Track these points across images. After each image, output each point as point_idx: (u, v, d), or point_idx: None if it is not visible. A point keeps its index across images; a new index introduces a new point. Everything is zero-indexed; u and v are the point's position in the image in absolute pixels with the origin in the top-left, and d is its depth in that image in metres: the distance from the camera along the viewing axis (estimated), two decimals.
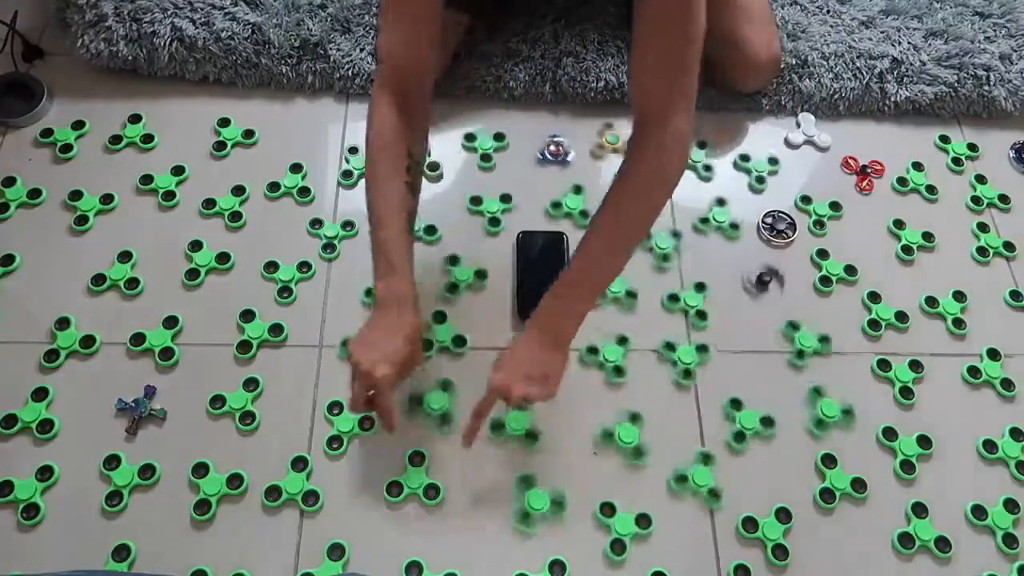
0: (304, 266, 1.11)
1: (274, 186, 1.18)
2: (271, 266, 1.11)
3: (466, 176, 1.23)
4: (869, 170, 1.29)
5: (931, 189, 1.28)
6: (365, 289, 1.09)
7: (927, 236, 1.23)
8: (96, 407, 0.99)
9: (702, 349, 1.09)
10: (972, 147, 1.34)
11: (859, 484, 1.01)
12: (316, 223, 1.15)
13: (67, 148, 1.20)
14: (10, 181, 1.16)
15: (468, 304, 1.11)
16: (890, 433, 1.05)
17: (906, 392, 1.08)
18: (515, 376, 0.88)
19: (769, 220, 1.22)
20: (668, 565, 0.94)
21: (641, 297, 1.13)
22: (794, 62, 1.33)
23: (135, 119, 1.23)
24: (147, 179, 1.17)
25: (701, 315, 1.12)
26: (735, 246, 1.20)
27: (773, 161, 1.29)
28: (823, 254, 1.19)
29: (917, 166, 1.30)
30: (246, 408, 1.00)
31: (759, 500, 0.99)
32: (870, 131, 1.34)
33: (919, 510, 1.00)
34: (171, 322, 1.05)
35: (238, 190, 1.17)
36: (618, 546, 0.95)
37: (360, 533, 0.94)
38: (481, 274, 1.13)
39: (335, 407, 1.01)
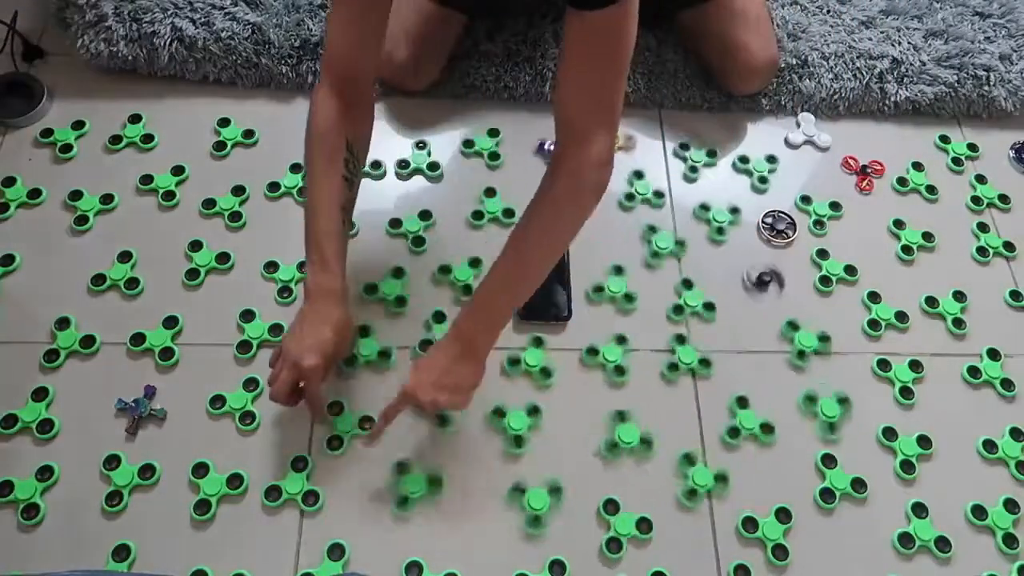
0: (304, 266, 1.11)
1: (274, 186, 1.18)
2: (271, 266, 1.11)
3: (466, 176, 1.23)
4: (869, 170, 1.29)
5: (931, 189, 1.28)
6: (364, 286, 1.10)
7: (927, 236, 1.23)
8: (96, 407, 0.99)
9: (702, 349, 1.09)
10: (972, 147, 1.34)
11: (859, 484, 1.01)
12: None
13: (67, 148, 1.20)
14: (10, 181, 1.16)
15: None
16: (890, 433, 1.05)
17: (906, 392, 1.08)
18: (427, 384, 0.88)
19: (769, 220, 1.22)
20: (668, 565, 0.94)
21: (641, 297, 1.13)
22: (794, 62, 1.33)
23: (135, 119, 1.23)
24: (147, 179, 1.17)
25: (701, 315, 1.12)
26: (735, 246, 1.20)
27: (773, 161, 1.29)
28: (823, 254, 1.19)
29: (917, 166, 1.30)
30: (246, 408, 1.00)
31: (759, 500, 0.99)
32: (870, 131, 1.34)
33: (919, 510, 1.00)
34: (171, 322, 1.05)
35: (238, 190, 1.17)
36: (618, 546, 0.95)
37: (360, 533, 0.94)
38: (481, 274, 1.13)
39: (335, 406, 1.01)
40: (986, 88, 1.34)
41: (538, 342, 1.08)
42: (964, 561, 0.98)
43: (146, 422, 0.99)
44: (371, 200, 1.19)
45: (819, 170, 1.30)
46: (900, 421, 1.06)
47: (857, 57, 1.34)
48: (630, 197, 1.23)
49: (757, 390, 1.06)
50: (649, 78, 1.31)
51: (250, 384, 1.01)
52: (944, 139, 1.34)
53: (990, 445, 1.05)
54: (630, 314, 1.12)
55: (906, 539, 0.98)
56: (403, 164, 1.23)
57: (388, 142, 1.25)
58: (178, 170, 1.18)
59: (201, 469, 0.95)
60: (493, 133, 1.26)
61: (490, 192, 1.21)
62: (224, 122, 1.23)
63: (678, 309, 1.12)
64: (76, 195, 1.15)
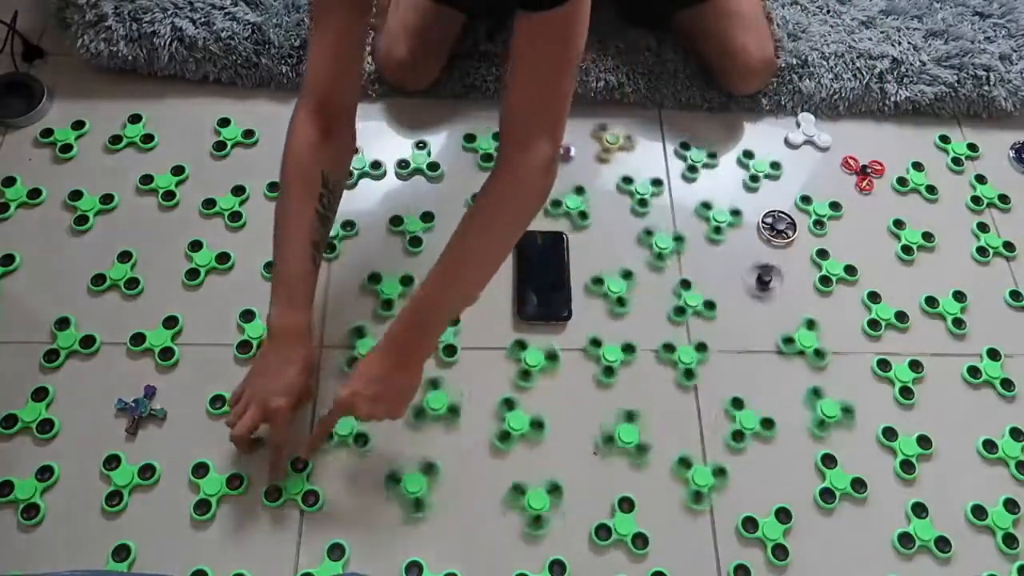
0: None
1: (274, 186, 1.18)
2: (271, 266, 1.10)
3: (466, 176, 1.23)
4: (869, 170, 1.29)
5: (931, 189, 1.28)
6: (368, 274, 1.10)
7: (927, 236, 1.23)
8: (96, 407, 0.99)
9: (702, 349, 1.09)
10: (972, 147, 1.33)
11: (859, 484, 1.01)
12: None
13: (67, 148, 1.20)
14: (10, 181, 1.16)
15: None
16: (890, 433, 1.05)
17: (906, 392, 1.08)
18: (362, 394, 0.86)
19: (769, 220, 1.22)
20: (668, 565, 0.94)
21: (641, 297, 1.13)
22: (794, 62, 1.33)
23: (135, 119, 1.23)
24: (147, 179, 1.17)
25: (701, 315, 1.12)
26: (735, 246, 1.20)
27: (773, 161, 1.29)
28: (823, 254, 1.19)
29: (917, 166, 1.30)
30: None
31: (759, 500, 0.99)
32: (870, 131, 1.34)
33: (919, 510, 1.00)
34: (171, 322, 1.05)
35: (238, 190, 1.17)
36: (618, 546, 0.95)
37: (360, 533, 0.94)
38: None
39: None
40: (986, 88, 1.34)
41: (538, 342, 1.08)
42: (964, 561, 0.97)
43: (146, 422, 0.99)
44: (371, 200, 1.19)
45: (819, 170, 1.30)
46: (900, 421, 1.06)
47: (857, 57, 1.34)
48: (630, 196, 1.23)
49: (757, 390, 1.06)
50: (649, 78, 1.31)
51: None
52: (944, 139, 1.34)
53: (990, 445, 1.05)
54: (630, 314, 1.12)
55: (906, 539, 0.98)
56: (403, 164, 1.23)
57: (388, 142, 1.25)
58: (178, 170, 1.18)
59: (201, 469, 0.95)
60: (496, 136, 1.26)
61: None
62: (224, 122, 1.23)
63: (678, 309, 1.12)
64: (76, 195, 1.15)
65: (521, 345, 1.07)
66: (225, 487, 0.94)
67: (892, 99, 1.34)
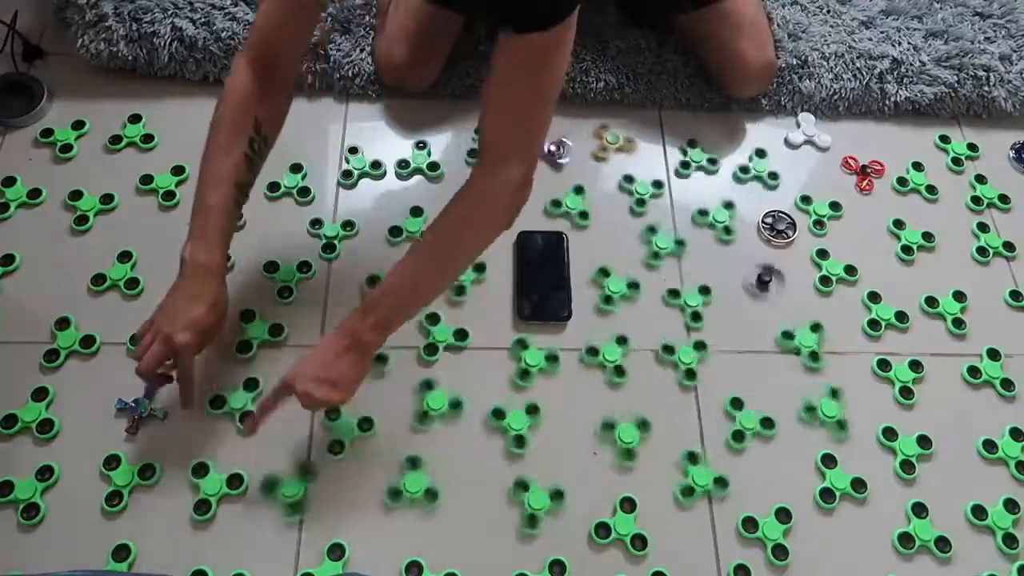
0: (304, 266, 1.11)
1: (274, 186, 1.18)
2: (271, 266, 1.11)
3: (466, 176, 1.22)
4: (869, 170, 1.29)
5: (931, 189, 1.28)
6: (367, 276, 1.10)
7: (927, 236, 1.23)
8: (96, 407, 0.99)
9: (702, 349, 1.09)
10: (972, 147, 1.34)
11: (859, 484, 1.01)
12: (316, 223, 1.15)
13: (67, 148, 1.20)
14: (10, 181, 1.16)
15: (468, 304, 1.11)
16: (890, 433, 1.05)
17: (906, 392, 1.08)
18: (308, 377, 0.86)
19: (769, 220, 1.22)
20: (668, 565, 0.94)
21: (641, 297, 1.13)
22: (794, 62, 1.33)
23: (135, 119, 1.23)
24: (147, 179, 1.17)
25: (701, 315, 1.12)
26: (735, 246, 1.20)
27: (772, 161, 1.29)
28: (823, 254, 1.19)
29: (917, 166, 1.30)
30: (246, 408, 1.00)
31: (759, 500, 0.99)
32: (870, 131, 1.34)
33: (919, 510, 1.00)
34: None
35: None
36: (618, 546, 0.95)
37: (360, 533, 0.94)
38: (481, 272, 1.13)
39: (333, 410, 1.01)
40: (986, 88, 1.34)
41: (538, 342, 1.08)
42: (964, 561, 0.98)
43: (146, 422, 0.99)
44: (371, 200, 1.19)
45: (819, 170, 1.30)
46: (900, 421, 1.06)
47: (857, 57, 1.34)
48: (630, 196, 1.23)
49: (757, 390, 1.06)
50: (649, 78, 1.31)
51: (250, 384, 1.01)
52: (944, 139, 1.34)
53: (990, 445, 1.05)
54: (630, 314, 1.12)
55: (906, 539, 0.98)
56: (403, 164, 1.23)
57: (388, 142, 1.25)
58: (178, 170, 1.18)
59: (201, 469, 0.95)
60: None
61: None
62: None
63: (678, 309, 1.12)
64: (76, 195, 1.15)
65: (521, 345, 1.07)
66: (225, 487, 0.94)
67: (892, 99, 1.34)
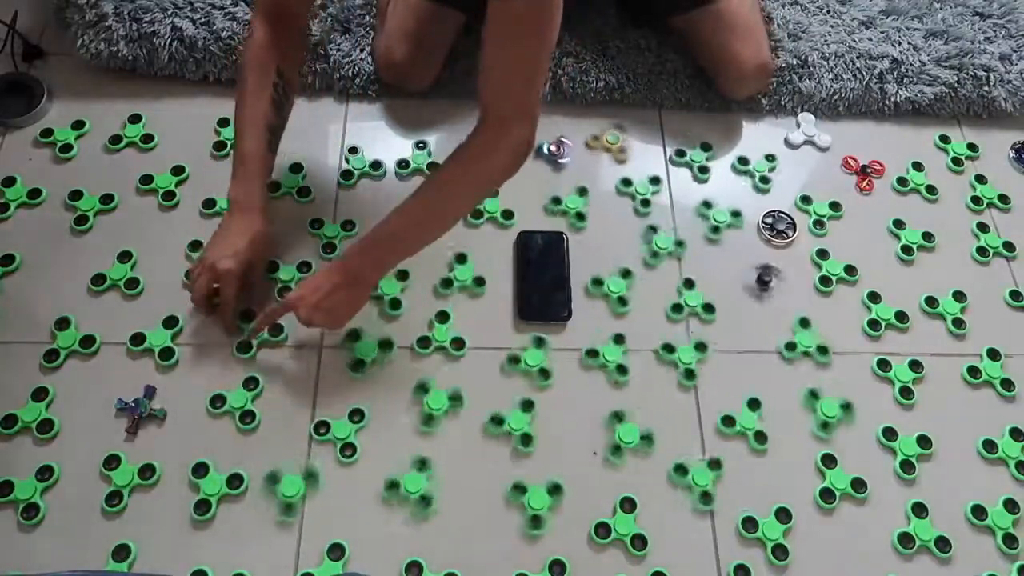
0: (304, 266, 1.11)
1: (274, 186, 1.18)
2: (271, 266, 1.11)
3: None
4: (869, 170, 1.29)
5: (931, 189, 1.28)
6: None
7: (927, 236, 1.23)
8: (96, 407, 0.99)
9: (702, 349, 1.09)
10: (972, 147, 1.34)
11: (859, 484, 1.01)
12: (316, 223, 1.15)
13: (67, 148, 1.20)
14: (10, 181, 1.15)
15: (468, 304, 1.11)
16: (890, 433, 1.05)
17: (906, 392, 1.08)
18: (308, 300, 0.94)
19: (769, 220, 1.22)
20: (668, 565, 0.94)
21: (641, 297, 1.13)
22: (794, 62, 1.33)
23: (135, 119, 1.23)
24: (147, 179, 1.17)
25: (701, 315, 1.12)
26: (735, 246, 1.20)
27: (773, 161, 1.29)
28: (823, 254, 1.19)
29: (917, 166, 1.30)
30: (246, 408, 1.00)
31: (759, 500, 0.99)
32: (870, 131, 1.34)
33: (919, 510, 1.00)
34: (171, 322, 1.05)
35: None
36: (618, 546, 0.95)
37: (360, 533, 0.94)
38: (481, 275, 1.13)
39: (336, 407, 1.01)
40: (986, 88, 1.34)
41: (538, 342, 1.08)
42: (964, 561, 0.98)
43: (146, 422, 0.99)
44: (371, 200, 1.19)
45: (819, 170, 1.30)
46: (900, 421, 1.06)
47: (857, 57, 1.34)
48: (630, 197, 1.23)
49: (757, 390, 1.06)
50: (649, 78, 1.31)
51: (250, 384, 1.01)
52: (944, 139, 1.34)
53: (990, 445, 1.05)
54: (630, 314, 1.12)
55: (906, 539, 0.98)
56: (403, 164, 1.23)
57: (388, 142, 1.25)
58: (178, 170, 1.18)
59: (201, 469, 0.95)
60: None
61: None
62: (224, 122, 1.23)
63: (678, 309, 1.12)
64: (76, 195, 1.15)
65: (521, 345, 1.07)
66: (225, 487, 0.94)
67: (892, 99, 1.34)
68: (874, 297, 1.16)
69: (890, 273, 1.19)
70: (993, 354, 1.13)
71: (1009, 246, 1.23)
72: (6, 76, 1.24)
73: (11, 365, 1.01)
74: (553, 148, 1.26)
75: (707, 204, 1.22)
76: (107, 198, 1.15)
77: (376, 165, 1.22)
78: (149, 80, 1.26)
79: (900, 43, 1.36)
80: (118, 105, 1.24)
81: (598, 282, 1.13)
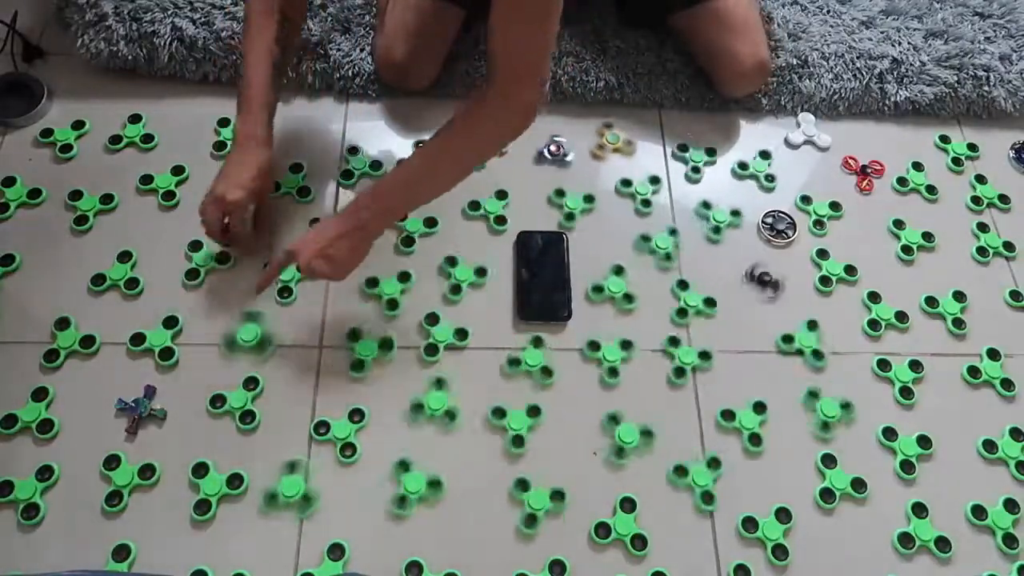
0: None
1: (274, 186, 1.18)
2: (267, 262, 1.11)
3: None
4: (869, 170, 1.29)
5: (931, 189, 1.28)
6: (366, 277, 1.10)
7: (927, 236, 1.23)
8: (96, 407, 0.99)
9: (702, 349, 1.09)
10: (972, 147, 1.34)
11: (859, 484, 1.01)
12: (316, 223, 1.15)
13: (67, 148, 1.20)
14: (10, 181, 1.15)
15: (468, 304, 1.11)
16: (890, 433, 1.05)
17: (906, 392, 1.08)
18: (311, 249, 0.94)
19: (769, 220, 1.22)
20: (668, 565, 0.94)
21: (641, 297, 1.13)
22: (794, 62, 1.33)
23: (135, 119, 1.23)
24: (147, 179, 1.17)
25: (701, 315, 1.12)
26: (735, 246, 1.20)
27: (772, 161, 1.29)
28: (823, 254, 1.19)
29: (917, 166, 1.31)
30: (246, 408, 1.00)
31: (759, 500, 0.99)
32: (870, 131, 1.34)
33: (919, 510, 1.00)
34: (171, 322, 1.05)
35: None
36: (618, 546, 0.95)
37: (360, 533, 0.94)
38: (481, 273, 1.13)
39: (336, 410, 1.01)
40: (986, 88, 1.34)
41: (538, 342, 1.08)
42: (964, 561, 0.98)
43: (146, 422, 0.99)
44: None
45: (819, 170, 1.30)
46: (900, 421, 1.06)
47: (857, 57, 1.34)
48: (630, 197, 1.23)
49: (757, 390, 1.06)
50: (649, 78, 1.31)
51: (250, 384, 1.01)
52: (944, 139, 1.34)
53: (990, 445, 1.05)
54: (630, 314, 1.12)
55: (906, 539, 0.98)
56: None
57: (388, 142, 1.25)
58: (178, 170, 1.18)
59: (201, 469, 0.95)
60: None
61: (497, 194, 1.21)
62: (224, 122, 1.23)
63: (678, 309, 1.12)
64: (76, 195, 1.15)
65: (521, 345, 1.07)
66: (225, 487, 0.94)
67: (892, 99, 1.34)
68: (874, 297, 1.16)
69: (890, 273, 1.19)
70: (993, 354, 1.13)
71: (1009, 246, 1.23)
72: (6, 76, 1.24)
73: (11, 365, 1.01)
74: (553, 148, 1.26)
75: (707, 204, 1.22)
76: (107, 198, 1.15)
77: (376, 165, 1.22)
78: (149, 80, 1.26)
79: (900, 43, 1.36)
80: (118, 105, 1.24)
81: (598, 283, 1.13)
